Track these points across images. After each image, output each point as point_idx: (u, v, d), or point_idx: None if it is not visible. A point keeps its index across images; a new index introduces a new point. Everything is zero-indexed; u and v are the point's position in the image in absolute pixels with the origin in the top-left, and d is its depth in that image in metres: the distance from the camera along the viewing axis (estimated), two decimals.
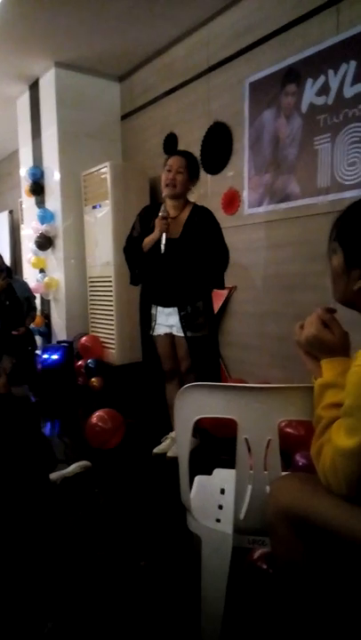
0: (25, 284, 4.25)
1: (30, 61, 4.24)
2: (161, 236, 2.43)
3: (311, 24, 2.84)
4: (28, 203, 5.07)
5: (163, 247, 2.43)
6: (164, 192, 2.52)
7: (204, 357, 2.61)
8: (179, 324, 2.56)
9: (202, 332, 2.57)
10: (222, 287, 2.63)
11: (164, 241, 2.43)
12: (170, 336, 2.65)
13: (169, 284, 2.54)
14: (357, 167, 2.64)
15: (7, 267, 3.97)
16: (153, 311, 2.67)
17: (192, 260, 2.47)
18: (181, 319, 2.54)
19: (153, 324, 2.68)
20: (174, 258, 2.48)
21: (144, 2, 3.35)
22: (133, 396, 3.73)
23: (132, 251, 2.62)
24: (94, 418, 2.83)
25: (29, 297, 4.13)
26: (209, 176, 3.66)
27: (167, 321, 2.62)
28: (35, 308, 4.22)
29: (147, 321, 2.69)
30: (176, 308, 2.56)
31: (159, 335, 2.67)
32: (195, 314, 2.55)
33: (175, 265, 2.50)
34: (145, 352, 2.78)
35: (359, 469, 0.91)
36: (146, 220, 2.58)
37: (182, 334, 2.56)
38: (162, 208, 2.47)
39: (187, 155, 2.56)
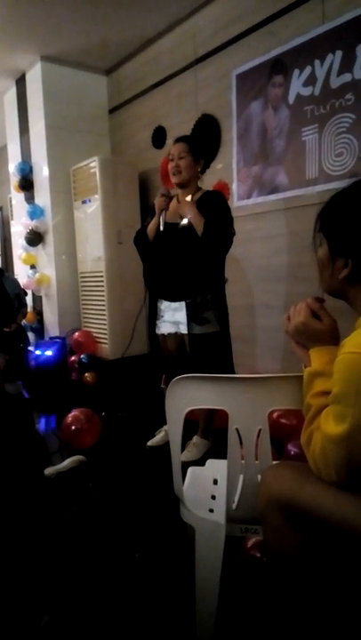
0: (15, 281, 4.23)
1: (16, 55, 4.19)
2: (160, 214, 2.36)
3: (297, 14, 2.83)
4: (17, 198, 5.03)
5: (161, 226, 2.35)
6: (172, 180, 2.45)
7: (213, 357, 2.47)
8: (185, 321, 2.43)
9: (209, 327, 2.43)
10: (215, 264, 2.44)
11: (162, 220, 2.35)
12: (175, 336, 2.55)
13: (175, 274, 2.43)
14: (345, 157, 2.64)
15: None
16: (160, 306, 2.57)
17: (198, 246, 2.33)
18: (188, 310, 2.42)
19: (158, 321, 2.59)
20: (179, 245, 2.38)
21: None
22: (127, 390, 3.75)
23: (140, 239, 2.53)
24: (69, 417, 2.76)
25: (20, 294, 4.11)
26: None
27: (174, 317, 2.50)
28: (25, 305, 4.20)
29: (153, 317, 2.61)
30: (183, 303, 2.44)
31: (162, 334, 2.59)
32: (202, 306, 2.42)
33: (180, 253, 2.39)
34: (152, 347, 2.72)
35: (348, 456, 0.91)
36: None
37: (187, 332, 2.43)
38: (163, 189, 2.41)
39: (187, 139, 2.49)
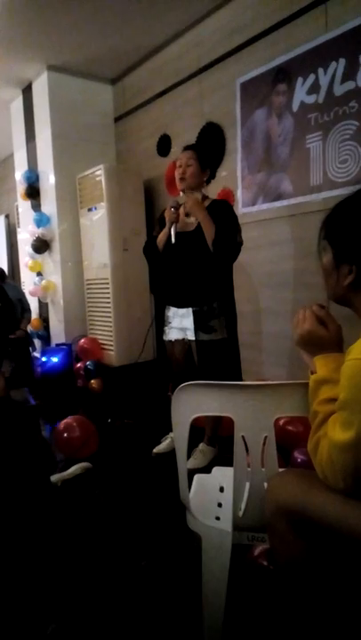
0: (17, 287, 4.24)
1: (23, 65, 4.24)
2: (171, 226, 2.39)
3: (300, 23, 2.85)
4: (23, 206, 5.07)
5: (173, 238, 2.39)
6: (178, 187, 2.49)
7: (220, 363, 2.46)
8: (193, 327, 2.45)
9: (216, 335, 2.45)
10: (223, 272, 2.47)
11: (173, 232, 2.39)
12: (182, 343, 2.55)
13: (183, 281, 2.45)
14: (349, 165, 2.65)
15: (1, 269, 3.98)
16: (167, 313, 2.59)
17: (206, 254, 2.36)
18: (195, 318, 2.44)
19: (166, 327, 2.60)
20: (188, 253, 2.41)
21: (135, 4, 3.36)
22: (133, 397, 3.74)
23: (150, 249, 2.56)
24: (62, 425, 2.72)
25: (22, 299, 4.12)
26: None
27: (181, 323, 2.51)
28: (29, 310, 4.22)
29: (160, 324, 2.62)
30: (190, 309, 2.45)
31: (170, 341, 2.60)
32: (209, 314, 2.44)
33: (189, 260, 2.42)
34: (160, 354, 2.73)
35: (355, 463, 0.91)
36: (165, 219, 2.50)
37: (194, 338, 2.45)
38: (173, 200, 2.44)
39: (195, 147, 2.53)
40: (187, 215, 2.45)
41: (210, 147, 3.53)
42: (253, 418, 1.17)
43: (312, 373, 1.08)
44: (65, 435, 2.68)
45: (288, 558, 1.04)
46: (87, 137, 4.54)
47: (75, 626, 1.46)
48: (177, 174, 2.48)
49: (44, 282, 4.61)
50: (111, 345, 4.11)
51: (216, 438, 2.61)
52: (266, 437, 1.18)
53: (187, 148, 2.53)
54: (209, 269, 2.39)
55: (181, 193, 2.50)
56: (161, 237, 2.48)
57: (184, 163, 2.45)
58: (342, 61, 2.62)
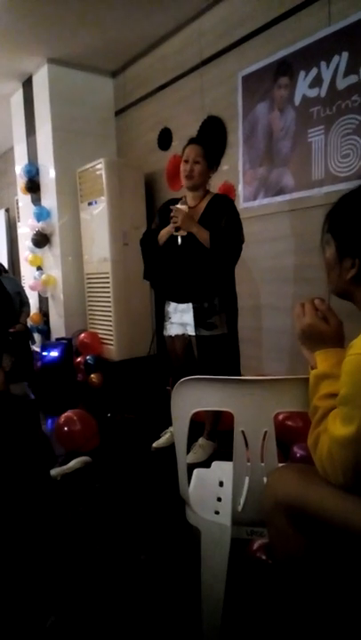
0: (15, 280, 4.23)
1: (23, 58, 4.22)
2: (177, 231, 2.35)
3: (303, 16, 2.82)
4: (23, 200, 5.05)
5: (180, 239, 2.36)
6: (183, 184, 2.43)
7: (220, 359, 2.45)
8: (193, 322, 2.43)
9: (216, 330, 2.42)
10: (225, 273, 2.45)
11: (180, 236, 2.36)
12: (182, 338, 2.54)
13: (183, 277, 2.43)
14: (351, 159, 2.63)
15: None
16: (168, 308, 2.57)
17: (207, 250, 2.33)
18: (195, 314, 2.42)
19: (166, 322, 2.59)
20: (189, 249, 2.38)
21: None
22: (133, 392, 3.75)
23: (148, 243, 2.54)
24: (62, 419, 2.72)
25: (20, 292, 4.12)
26: None
27: (181, 318, 2.50)
28: (27, 304, 4.21)
29: (161, 319, 2.61)
30: (190, 304, 2.44)
31: (170, 336, 2.59)
32: (209, 310, 2.42)
33: (190, 257, 2.39)
34: (160, 349, 2.69)
35: (356, 458, 0.91)
36: (165, 213, 2.45)
37: (194, 334, 2.44)
38: (181, 201, 2.40)
39: (203, 142, 2.44)
40: (177, 230, 2.36)
41: (213, 141, 3.51)
42: (253, 413, 1.17)
43: (312, 369, 1.08)
44: (65, 428, 2.69)
45: (287, 553, 1.05)
46: (88, 130, 4.51)
47: (74, 619, 1.47)
48: (183, 170, 2.40)
49: (44, 276, 4.61)
50: (111, 339, 4.11)
51: (216, 433, 2.61)
52: (266, 432, 1.17)
53: (194, 141, 2.43)
54: (210, 265, 2.37)
55: (186, 190, 2.47)
56: (163, 234, 2.45)
57: (191, 159, 2.37)
58: (345, 55, 2.60)
